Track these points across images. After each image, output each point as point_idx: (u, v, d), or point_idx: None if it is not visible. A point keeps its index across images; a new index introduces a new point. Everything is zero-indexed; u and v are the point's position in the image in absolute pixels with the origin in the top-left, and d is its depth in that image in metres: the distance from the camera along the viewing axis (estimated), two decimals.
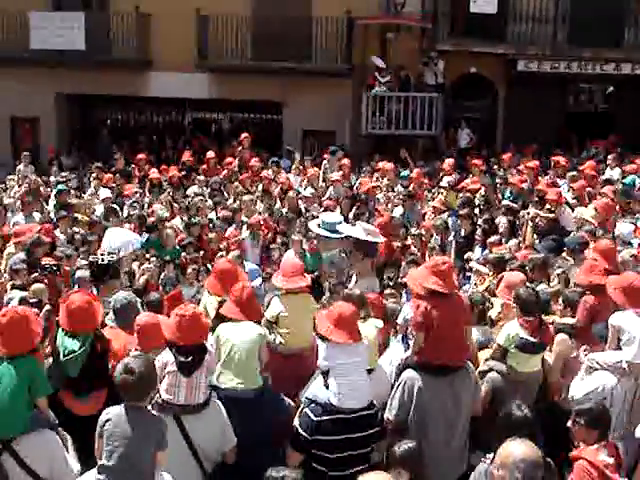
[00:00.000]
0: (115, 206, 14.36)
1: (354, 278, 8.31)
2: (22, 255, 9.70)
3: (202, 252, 11.87)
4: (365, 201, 14.47)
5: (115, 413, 4.71)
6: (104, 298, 7.18)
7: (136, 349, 6.14)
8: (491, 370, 6.30)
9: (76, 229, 12.26)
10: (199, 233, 12.44)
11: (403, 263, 10.37)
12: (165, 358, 5.36)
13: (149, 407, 4.93)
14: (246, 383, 5.74)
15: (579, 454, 5.10)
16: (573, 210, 11.98)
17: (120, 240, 9.23)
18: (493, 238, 10.86)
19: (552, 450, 5.16)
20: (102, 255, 8.56)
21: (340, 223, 9.18)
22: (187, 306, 5.77)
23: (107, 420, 4.68)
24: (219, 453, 5.41)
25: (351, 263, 8.69)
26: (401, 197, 14.33)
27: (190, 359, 5.26)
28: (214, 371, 5.68)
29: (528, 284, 7.19)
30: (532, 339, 6.19)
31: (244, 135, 19.66)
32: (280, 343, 6.64)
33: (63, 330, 5.89)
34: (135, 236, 10.20)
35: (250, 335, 5.96)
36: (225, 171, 17.38)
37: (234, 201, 14.79)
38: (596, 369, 5.99)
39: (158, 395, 5.25)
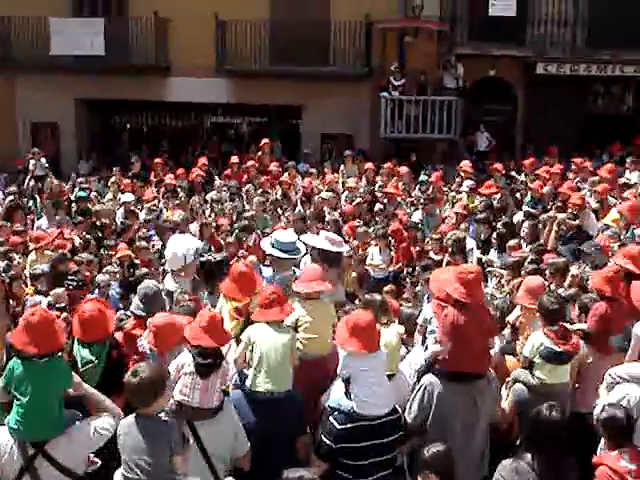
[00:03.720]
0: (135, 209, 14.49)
1: None
2: (46, 267, 9.84)
3: None
4: (384, 205, 14.49)
5: (126, 424, 4.79)
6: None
7: (151, 348, 6.21)
8: (517, 381, 6.24)
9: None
10: (210, 235, 12.41)
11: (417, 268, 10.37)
12: (183, 360, 5.39)
13: (161, 414, 4.93)
14: (279, 386, 5.78)
15: (600, 460, 5.06)
16: (597, 214, 11.90)
17: (184, 247, 9.17)
18: (512, 242, 10.80)
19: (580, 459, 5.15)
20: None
21: (295, 242, 8.79)
22: (210, 310, 5.83)
23: (121, 433, 4.75)
24: (232, 458, 5.41)
25: None
26: (421, 201, 14.31)
27: (209, 361, 5.28)
28: (228, 381, 5.70)
29: (550, 291, 7.13)
30: (557, 348, 6.12)
31: (264, 141, 19.70)
32: (299, 349, 6.63)
33: (78, 340, 5.93)
34: (198, 242, 10.07)
35: (282, 337, 6.01)
36: (245, 176, 17.42)
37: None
38: (618, 382, 5.88)
39: (172, 399, 5.26)
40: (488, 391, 5.88)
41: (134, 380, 4.77)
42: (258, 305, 6.22)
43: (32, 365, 4.90)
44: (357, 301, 8.27)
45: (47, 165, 18.84)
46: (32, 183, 16.35)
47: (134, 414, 4.84)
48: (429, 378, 5.85)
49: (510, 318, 7.15)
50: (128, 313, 7.66)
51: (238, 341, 6.22)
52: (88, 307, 6.18)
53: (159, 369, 5.01)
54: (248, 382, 5.81)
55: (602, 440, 5.42)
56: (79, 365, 5.82)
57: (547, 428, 4.97)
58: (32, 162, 18.64)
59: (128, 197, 15.21)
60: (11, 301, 8.93)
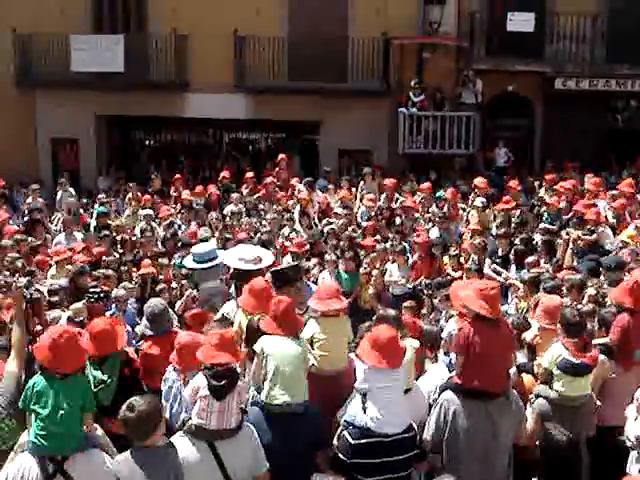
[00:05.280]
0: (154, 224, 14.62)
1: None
2: (64, 282, 9.93)
3: None
4: (401, 220, 14.53)
5: (123, 459, 4.84)
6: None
7: (174, 367, 6.27)
8: (538, 396, 6.21)
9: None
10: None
11: None
12: (198, 383, 5.38)
13: (162, 442, 4.98)
14: (296, 397, 5.76)
15: None
16: (614, 230, 11.86)
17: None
18: (531, 258, 10.77)
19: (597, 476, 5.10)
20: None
21: (209, 252, 9.05)
22: (207, 324, 5.89)
23: (119, 469, 4.80)
24: (251, 478, 5.40)
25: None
26: (437, 218, 14.30)
27: (223, 383, 5.26)
28: (244, 400, 5.69)
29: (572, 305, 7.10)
30: (574, 360, 6.10)
31: (281, 156, 19.77)
32: (313, 365, 6.65)
33: (90, 360, 5.97)
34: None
35: (295, 348, 6.01)
36: (263, 190, 17.48)
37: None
38: None
39: (190, 421, 5.28)
40: (508, 410, 5.80)
41: (131, 415, 4.83)
42: (271, 317, 6.21)
43: (53, 381, 4.97)
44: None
45: (74, 193, 18.93)
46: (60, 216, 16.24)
47: (130, 450, 4.88)
48: (446, 395, 5.84)
49: (527, 337, 7.12)
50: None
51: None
52: (98, 322, 6.32)
53: (155, 402, 5.06)
54: (263, 396, 5.79)
55: (631, 457, 5.35)
56: (92, 386, 5.86)
57: (558, 451, 4.91)
58: (60, 193, 18.67)
59: (147, 213, 15.37)
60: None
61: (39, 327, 7.47)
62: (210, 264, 8.95)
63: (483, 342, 5.70)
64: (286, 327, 6.11)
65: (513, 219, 13.58)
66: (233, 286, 8.64)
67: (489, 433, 5.69)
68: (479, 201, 14.52)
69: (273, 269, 8.61)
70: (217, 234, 13.54)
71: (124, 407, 4.88)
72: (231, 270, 8.98)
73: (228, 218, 15.02)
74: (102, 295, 8.81)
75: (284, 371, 5.81)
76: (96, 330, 6.15)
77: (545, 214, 13.89)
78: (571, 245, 11.12)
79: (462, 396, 5.75)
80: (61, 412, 4.87)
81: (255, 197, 17.04)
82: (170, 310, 7.72)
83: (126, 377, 6.24)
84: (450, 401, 5.77)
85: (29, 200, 17.31)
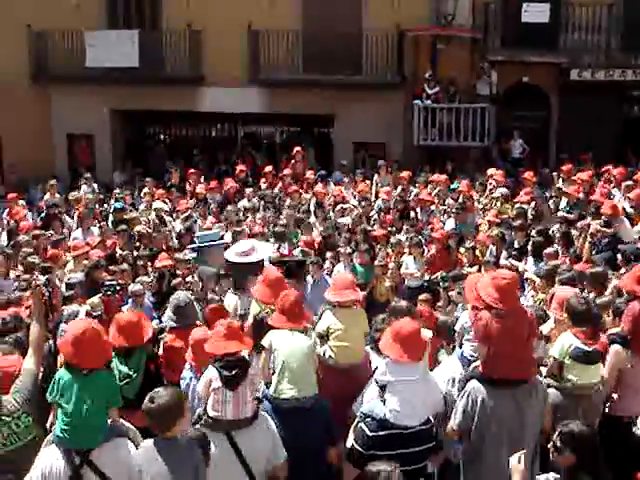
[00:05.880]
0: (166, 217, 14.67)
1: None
2: (80, 276, 9.97)
3: None
4: (415, 212, 14.53)
5: (149, 448, 4.86)
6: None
7: (190, 363, 6.29)
8: (549, 387, 6.17)
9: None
10: None
11: None
12: (209, 375, 5.39)
13: (187, 432, 5.00)
14: (304, 391, 5.76)
15: None
16: (632, 220, 11.77)
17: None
18: (549, 249, 10.71)
19: (614, 465, 5.06)
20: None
21: (213, 234, 9.90)
22: (226, 318, 5.92)
23: (143, 459, 4.83)
24: (269, 467, 5.41)
25: None
26: (454, 210, 14.25)
27: (234, 372, 5.27)
28: (258, 389, 5.70)
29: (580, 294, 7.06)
30: (586, 348, 6.08)
31: (297, 149, 19.76)
32: (330, 357, 6.63)
33: (115, 354, 6.00)
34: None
35: (303, 342, 6.02)
36: (280, 184, 17.49)
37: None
38: None
39: (206, 414, 5.29)
40: (535, 398, 5.75)
41: (153, 406, 4.83)
42: (278, 311, 6.21)
43: (78, 376, 5.00)
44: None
45: (97, 190, 18.95)
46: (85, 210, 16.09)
47: (153, 439, 4.90)
48: (473, 384, 5.79)
49: (544, 329, 7.08)
50: (162, 325, 7.77)
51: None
52: (124, 315, 6.46)
53: (177, 394, 5.05)
54: (272, 390, 5.81)
55: None
56: (118, 380, 5.89)
57: (577, 442, 4.87)
58: (84, 188, 18.67)
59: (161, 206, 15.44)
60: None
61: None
62: (205, 244, 9.27)
63: (503, 330, 5.64)
64: (294, 319, 6.12)
65: (528, 211, 13.50)
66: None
67: (517, 420, 5.65)
68: (500, 192, 14.44)
69: (277, 258, 8.79)
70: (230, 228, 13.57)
71: (146, 399, 4.90)
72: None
73: (241, 213, 15.03)
74: (118, 288, 8.84)
75: (292, 365, 5.81)
76: (123, 322, 6.20)
77: (564, 203, 13.80)
78: (589, 238, 11.05)
79: (488, 384, 5.69)
80: (85, 407, 4.90)
81: (277, 190, 17.07)
82: (196, 304, 7.76)
83: (151, 372, 6.29)
84: (477, 390, 5.71)
85: (47, 196, 17.39)
